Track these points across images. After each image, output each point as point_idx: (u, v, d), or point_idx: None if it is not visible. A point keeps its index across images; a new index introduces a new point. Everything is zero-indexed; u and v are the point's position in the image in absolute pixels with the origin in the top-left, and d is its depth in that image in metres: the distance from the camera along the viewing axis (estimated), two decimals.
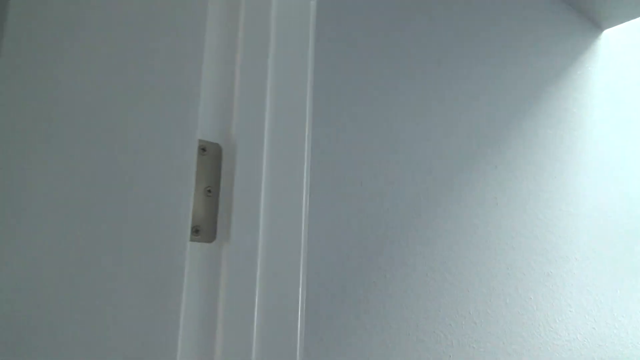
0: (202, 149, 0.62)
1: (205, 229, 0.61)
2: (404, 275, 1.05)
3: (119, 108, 0.53)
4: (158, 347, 0.50)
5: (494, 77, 1.36)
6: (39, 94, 0.48)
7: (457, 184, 1.20)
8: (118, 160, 0.51)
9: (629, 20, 2.10)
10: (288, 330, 0.65)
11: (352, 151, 1.00)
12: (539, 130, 1.50)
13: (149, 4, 0.57)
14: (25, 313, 0.45)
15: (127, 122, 0.52)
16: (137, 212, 0.51)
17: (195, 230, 0.59)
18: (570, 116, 1.65)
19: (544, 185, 1.48)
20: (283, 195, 0.67)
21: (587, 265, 1.58)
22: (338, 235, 0.97)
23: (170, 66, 0.57)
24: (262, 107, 0.67)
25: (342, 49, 1.02)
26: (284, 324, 0.64)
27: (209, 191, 0.62)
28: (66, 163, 0.49)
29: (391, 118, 1.08)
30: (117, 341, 0.48)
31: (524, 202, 1.39)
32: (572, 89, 1.68)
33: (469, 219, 1.22)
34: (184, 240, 0.53)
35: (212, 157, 0.63)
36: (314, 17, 0.76)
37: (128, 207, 0.50)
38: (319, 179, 0.94)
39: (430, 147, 1.15)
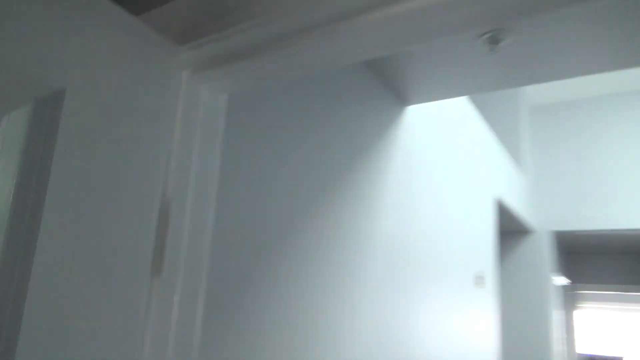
0: None
1: None
2: (292, 276, 1.40)
3: (116, 185, 0.78)
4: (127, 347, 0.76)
5: (325, 143, 1.80)
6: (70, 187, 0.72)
7: (306, 219, 1.62)
8: (109, 218, 0.77)
9: (427, 101, 2.68)
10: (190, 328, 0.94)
11: (254, 190, 1.33)
12: (355, 185, 1.99)
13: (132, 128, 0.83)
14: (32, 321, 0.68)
15: (117, 194, 0.78)
16: (118, 255, 0.77)
17: None
18: (376, 177, 2.18)
19: (354, 225, 1.97)
20: (196, 234, 0.96)
21: (378, 284, 2.12)
22: (241, 244, 1.29)
23: (147, 157, 0.83)
24: (187, 175, 0.96)
25: (247, 129, 1.35)
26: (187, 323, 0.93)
27: None
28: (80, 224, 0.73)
29: (270, 174, 1.44)
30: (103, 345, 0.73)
31: (342, 235, 1.86)
32: (379, 153, 2.22)
33: (311, 242, 1.65)
34: (146, 275, 0.80)
35: None
36: (226, 108, 1.07)
37: (115, 252, 0.76)
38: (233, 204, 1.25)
39: (290, 197, 1.55)
